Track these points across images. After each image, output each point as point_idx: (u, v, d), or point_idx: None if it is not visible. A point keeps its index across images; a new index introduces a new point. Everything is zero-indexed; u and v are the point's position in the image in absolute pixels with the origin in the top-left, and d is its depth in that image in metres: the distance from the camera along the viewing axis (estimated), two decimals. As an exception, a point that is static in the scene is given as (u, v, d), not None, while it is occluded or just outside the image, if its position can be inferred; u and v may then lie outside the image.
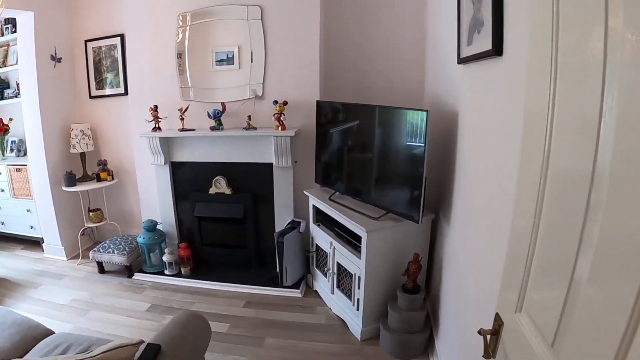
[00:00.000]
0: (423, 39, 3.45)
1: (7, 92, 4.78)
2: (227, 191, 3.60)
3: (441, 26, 2.70)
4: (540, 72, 0.91)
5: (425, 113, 2.26)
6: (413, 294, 2.56)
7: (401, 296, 2.57)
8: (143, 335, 2.95)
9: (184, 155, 3.68)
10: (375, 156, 2.77)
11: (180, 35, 3.52)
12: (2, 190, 4.60)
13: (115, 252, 3.75)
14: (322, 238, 3.15)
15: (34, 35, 3.81)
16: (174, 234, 3.91)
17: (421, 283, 2.75)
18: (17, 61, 4.12)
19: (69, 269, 4.09)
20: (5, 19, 4.34)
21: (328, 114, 3.16)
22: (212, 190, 3.63)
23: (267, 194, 3.55)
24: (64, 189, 4.03)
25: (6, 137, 4.69)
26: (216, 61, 3.47)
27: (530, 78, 1.01)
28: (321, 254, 3.23)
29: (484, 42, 1.52)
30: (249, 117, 3.32)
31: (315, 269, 3.36)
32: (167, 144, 3.64)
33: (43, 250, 4.48)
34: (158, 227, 3.81)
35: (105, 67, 4.16)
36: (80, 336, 2.17)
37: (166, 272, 3.72)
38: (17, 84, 4.33)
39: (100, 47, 4.15)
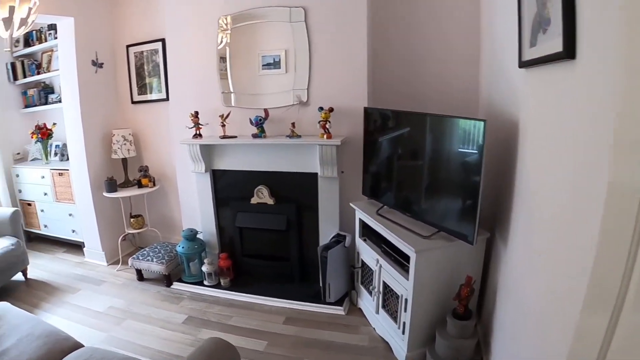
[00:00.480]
0: (477, 39, 3.25)
1: (51, 97, 4.95)
2: (270, 201, 3.54)
3: (498, 26, 2.52)
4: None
5: (482, 123, 2.10)
6: (464, 320, 2.40)
7: (451, 322, 2.42)
8: (176, 349, 2.98)
9: (225, 163, 3.64)
10: (427, 169, 2.63)
11: (223, 40, 3.48)
12: (45, 194, 4.78)
13: (155, 260, 3.77)
14: (368, 254, 3.03)
15: (74, 41, 3.88)
16: (214, 243, 3.87)
17: (472, 308, 2.56)
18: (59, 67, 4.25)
19: (108, 274, 4.15)
20: (48, 25, 4.45)
21: (377, 122, 3.03)
22: (254, 200, 3.58)
23: (312, 206, 3.45)
24: (105, 194, 4.10)
25: (50, 141, 4.86)
26: (263, 65, 3.40)
27: (625, 81, 0.90)
28: (367, 271, 3.11)
29: (552, 44, 1.37)
30: (293, 124, 3.24)
31: (360, 285, 3.25)
32: (208, 151, 3.60)
33: (84, 255, 4.57)
34: (198, 236, 3.79)
35: (147, 72, 4.19)
36: (107, 353, 2.18)
37: (205, 282, 3.69)
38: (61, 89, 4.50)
39: (142, 52, 4.20)
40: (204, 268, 3.68)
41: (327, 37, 3.22)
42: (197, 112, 3.52)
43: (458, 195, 2.40)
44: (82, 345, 2.35)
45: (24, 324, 2.48)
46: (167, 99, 4.01)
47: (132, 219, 4.22)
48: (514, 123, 2.09)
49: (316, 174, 3.35)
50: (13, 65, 5.04)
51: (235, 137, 3.48)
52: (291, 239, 3.58)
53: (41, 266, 4.49)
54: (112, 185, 4.07)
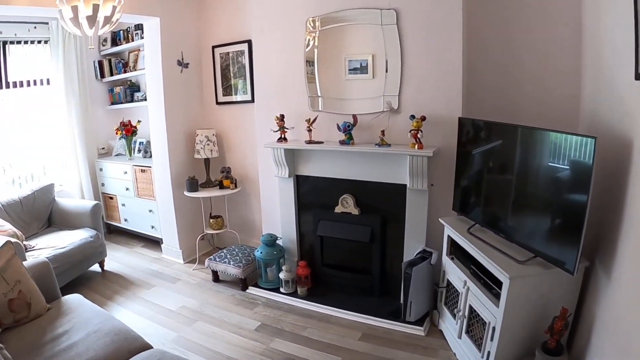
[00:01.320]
0: (578, 47, 3.09)
1: (136, 95, 5.39)
2: (355, 211, 3.64)
3: (607, 33, 2.44)
4: None
5: (592, 140, 2.03)
6: (555, 356, 2.35)
7: (540, 356, 2.37)
8: (246, 357, 3.08)
9: (310, 169, 3.79)
10: (526, 187, 2.59)
11: (310, 42, 3.63)
12: (127, 189, 5.20)
13: (232, 263, 3.98)
14: (455, 274, 3.04)
15: (160, 41, 4.23)
16: (293, 250, 4.05)
17: (563, 342, 2.47)
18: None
19: (184, 273, 4.45)
20: (135, 25, 4.88)
21: (471, 132, 3.03)
22: (338, 209, 3.70)
23: (397, 218, 3.50)
24: (186, 193, 4.41)
25: (134, 138, 5.29)
26: (349, 70, 3.51)
27: None
28: (452, 292, 3.11)
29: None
30: (383, 132, 3.30)
31: (443, 306, 3.25)
32: (292, 156, 3.78)
33: (161, 251, 4.94)
34: (278, 242, 3.97)
35: (232, 74, 4.46)
36: (175, 358, 2.27)
37: (281, 289, 3.86)
38: (148, 87, 4.88)
39: (227, 53, 4.47)
40: (282, 275, 3.85)
41: (420, 41, 3.24)
42: (282, 116, 3.71)
43: (559, 219, 2.36)
44: (151, 347, 2.47)
45: (94, 319, 2.64)
46: (252, 100, 4.26)
47: (211, 220, 4.51)
48: (626, 141, 2.04)
49: (404, 185, 3.39)
50: (100, 63, 5.54)
51: (322, 142, 3.62)
52: (374, 251, 3.65)
53: (118, 259, 4.93)
54: (193, 184, 4.37)
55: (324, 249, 3.92)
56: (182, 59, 4.46)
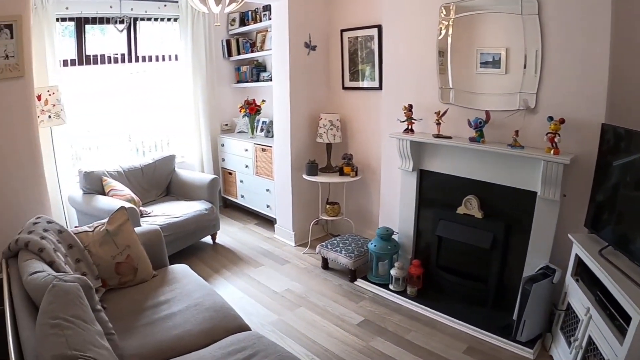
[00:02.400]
0: None
1: (262, 74, 5.92)
2: (478, 214, 3.70)
3: None
4: None
5: None
6: None
7: None
8: (344, 352, 3.23)
9: (435, 164, 3.93)
10: None
11: (443, 31, 3.72)
12: (247, 167, 5.74)
13: (343, 252, 4.27)
14: (577, 298, 2.95)
15: (287, 22, 4.60)
16: (408, 247, 4.24)
17: None
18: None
19: (294, 256, 4.86)
20: (263, 6, 5.39)
21: (615, 142, 2.89)
22: (461, 210, 3.79)
23: (523, 228, 3.49)
24: (305, 177, 4.80)
25: (257, 117, 5.81)
26: (480, 63, 3.56)
27: None
28: (571, 316, 3.03)
29: None
30: (517, 132, 3.30)
31: (559, 330, 3.18)
32: (418, 149, 3.94)
33: (274, 231, 5.43)
34: (393, 236, 4.17)
35: (360, 59, 4.72)
36: (271, 345, 2.36)
37: (391, 286, 4.07)
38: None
39: (356, 38, 4.72)
40: (393, 271, 4.05)
41: (562, 35, 3.16)
42: (410, 106, 3.89)
43: None
44: (249, 328, 2.64)
45: (197, 292, 2.89)
46: (380, 88, 4.51)
47: (327, 206, 4.88)
48: None
49: (534, 193, 3.38)
50: (228, 42, 6.17)
51: (450, 137, 3.72)
52: (493, 260, 3.69)
53: (231, 233, 5.53)
54: (313, 168, 4.74)
55: (440, 250, 4.03)
56: (310, 42, 4.83)
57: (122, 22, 5.34)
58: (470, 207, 3.76)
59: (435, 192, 4.02)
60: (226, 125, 6.46)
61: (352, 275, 4.30)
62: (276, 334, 3.44)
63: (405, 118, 3.91)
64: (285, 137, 4.94)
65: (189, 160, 6.14)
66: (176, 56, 5.93)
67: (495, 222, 3.65)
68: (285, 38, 4.68)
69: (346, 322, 3.63)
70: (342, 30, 4.85)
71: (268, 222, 5.68)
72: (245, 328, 2.62)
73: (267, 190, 5.49)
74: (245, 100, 5.81)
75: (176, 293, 2.89)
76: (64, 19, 5.06)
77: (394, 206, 4.32)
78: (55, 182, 4.96)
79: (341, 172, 4.77)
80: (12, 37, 3.15)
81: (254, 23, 5.79)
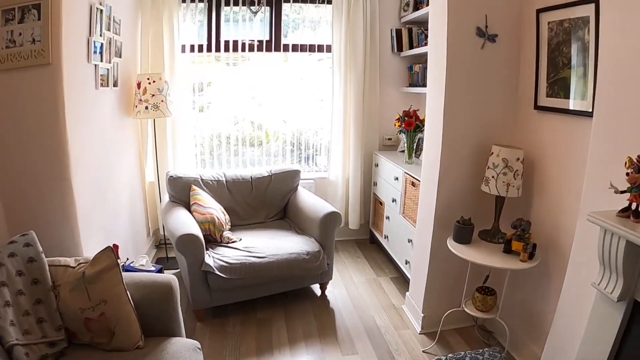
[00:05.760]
0: None
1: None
2: None
3: None
4: None
5: None
6: None
7: None
8: None
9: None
10: None
11: None
12: (394, 201, 4.00)
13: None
14: None
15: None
16: None
17: None
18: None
19: (409, 350, 3.02)
20: None
21: None
22: None
23: None
24: (449, 243, 2.82)
25: (418, 135, 3.98)
26: None
27: None
28: None
29: None
30: None
31: None
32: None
33: (403, 298, 3.61)
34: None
35: (565, 59, 2.48)
36: None
37: None
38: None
39: (561, 22, 2.49)
40: None
41: None
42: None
43: None
44: None
45: None
46: (591, 114, 2.22)
47: (477, 294, 2.84)
48: None
49: None
50: (398, 32, 4.36)
51: None
52: None
53: (351, 285, 3.98)
54: (464, 233, 2.79)
55: None
56: (486, 27, 2.80)
57: (257, 2, 4.19)
58: None
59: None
60: (389, 139, 4.75)
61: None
62: None
63: (629, 185, 1.71)
64: (433, 173, 3.02)
65: (332, 175, 4.64)
66: (328, 47, 4.46)
67: None
68: (443, 20, 2.75)
69: None
70: (539, 11, 2.65)
71: (405, 282, 3.85)
72: None
73: (409, 241, 3.66)
74: (404, 111, 4.01)
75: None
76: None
77: (573, 337, 2.11)
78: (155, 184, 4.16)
79: (507, 247, 2.66)
80: (39, 19, 2.35)
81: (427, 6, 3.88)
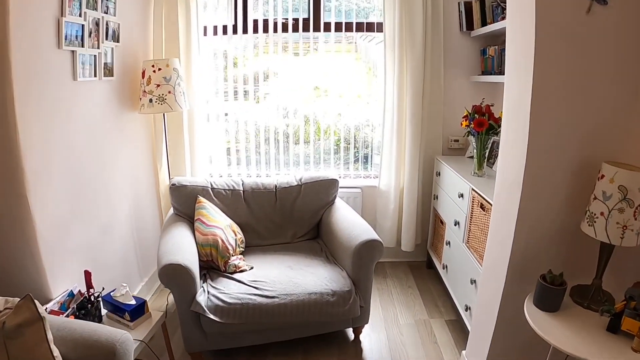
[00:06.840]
0: None
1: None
2: None
3: None
4: None
5: None
6: None
7: None
8: None
9: None
10: None
11: None
12: (456, 224, 3.04)
13: None
14: None
15: None
16: None
17: None
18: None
19: None
20: None
21: None
22: None
23: None
24: (526, 309, 1.87)
25: (491, 138, 2.98)
26: None
27: None
28: None
29: None
30: None
31: None
32: None
33: (459, 356, 2.69)
34: None
35: None
36: None
37: None
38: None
39: None
40: None
41: None
42: None
43: None
44: None
45: None
46: None
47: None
48: None
49: None
50: (468, 6, 3.37)
51: None
52: None
53: (393, 330, 3.08)
54: (552, 296, 1.82)
55: None
56: None
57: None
58: None
59: None
60: (456, 141, 3.77)
61: None
62: None
63: None
64: (510, 200, 2.03)
65: (383, 184, 3.74)
66: (377, 25, 3.57)
67: None
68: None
69: None
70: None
71: (464, 331, 2.90)
72: None
73: (472, 282, 2.69)
74: (473, 106, 3.02)
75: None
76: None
77: None
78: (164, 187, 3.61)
79: (615, 324, 1.65)
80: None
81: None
